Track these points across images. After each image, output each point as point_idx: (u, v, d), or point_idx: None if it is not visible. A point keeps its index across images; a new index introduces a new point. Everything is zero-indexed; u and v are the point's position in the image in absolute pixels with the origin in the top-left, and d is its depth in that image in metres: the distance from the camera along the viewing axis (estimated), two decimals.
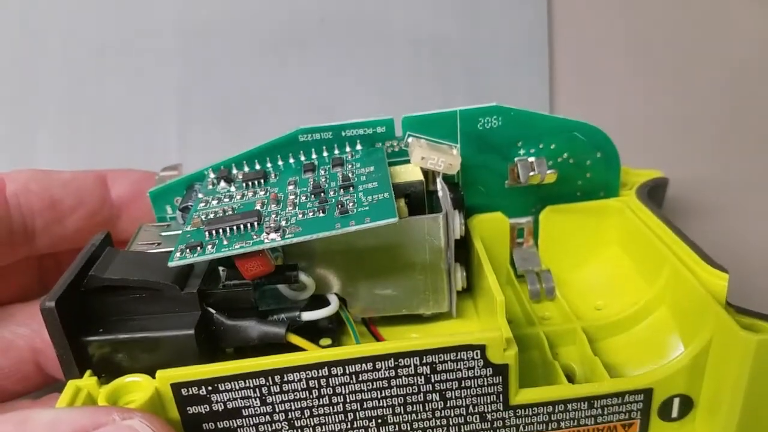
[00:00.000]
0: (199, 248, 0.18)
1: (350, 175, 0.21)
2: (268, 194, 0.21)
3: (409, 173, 0.23)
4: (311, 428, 0.18)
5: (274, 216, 0.19)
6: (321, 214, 0.19)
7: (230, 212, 0.20)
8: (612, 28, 0.37)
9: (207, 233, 0.19)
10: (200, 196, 0.22)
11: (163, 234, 0.23)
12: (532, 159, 0.24)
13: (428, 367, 0.18)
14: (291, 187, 0.21)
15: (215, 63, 0.36)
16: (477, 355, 0.18)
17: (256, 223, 0.19)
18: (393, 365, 0.18)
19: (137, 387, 0.18)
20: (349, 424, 0.18)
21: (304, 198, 0.20)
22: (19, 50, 0.35)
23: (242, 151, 0.24)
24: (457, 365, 0.18)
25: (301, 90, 0.36)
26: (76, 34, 0.35)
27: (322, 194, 0.20)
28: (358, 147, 0.23)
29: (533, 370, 0.21)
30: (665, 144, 0.37)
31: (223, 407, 0.18)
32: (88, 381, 0.18)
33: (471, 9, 0.36)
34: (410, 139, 0.24)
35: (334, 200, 0.20)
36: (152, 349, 0.18)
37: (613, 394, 0.19)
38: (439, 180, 0.23)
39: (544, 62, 0.36)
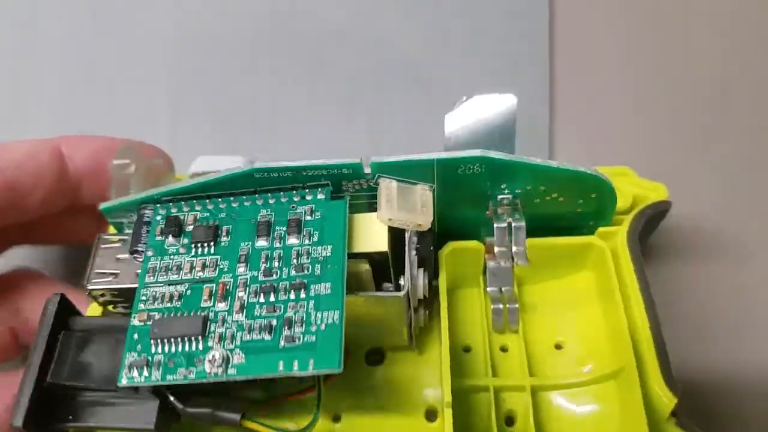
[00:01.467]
0: (145, 368, 0.18)
1: (305, 260, 0.20)
2: (216, 273, 0.20)
3: (372, 239, 0.21)
4: None
5: (219, 325, 0.19)
6: (267, 337, 0.18)
7: (176, 299, 0.19)
8: (613, 34, 0.35)
9: (153, 343, 0.19)
10: (149, 254, 0.21)
11: (119, 258, 0.22)
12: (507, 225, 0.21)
13: None
14: (241, 269, 0.20)
15: (208, 68, 0.36)
16: None
17: (201, 338, 0.19)
18: None
19: None
20: None
21: (252, 296, 0.19)
22: (10, 52, 0.36)
23: (198, 180, 0.21)
24: None
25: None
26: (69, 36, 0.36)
27: (273, 295, 0.19)
28: (320, 196, 0.21)
29: (476, 419, 0.23)
30: (667, 149, 0.32)
31: None
32: None
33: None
34: (380, 182, 0.21)
35: (282, 313, 0.19)
36: None
37: None
38: (407, 239, 0.21)
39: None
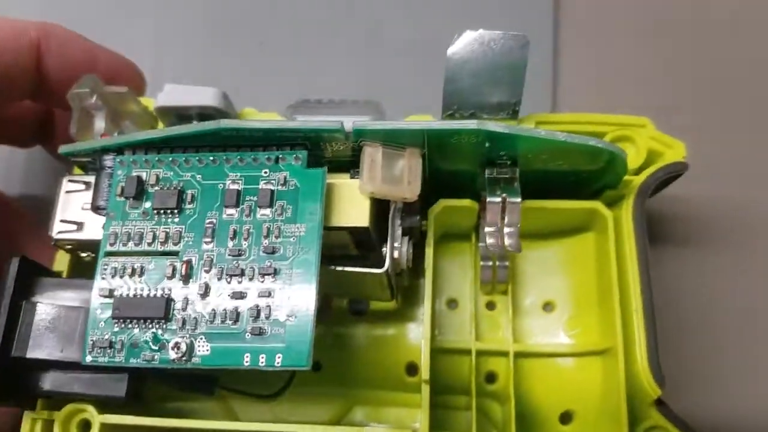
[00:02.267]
0: (109, 349, 0.18)
1: (276, 240, 0.18)
2: (181, 247, 0.18)
3: (353, 212, 0.19)
4: None
5: (182, 309, 0.18)
6: (232, 327, 0.17)
7: (138, 273, 0.18)
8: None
9: (115, 323, 0.18)
10: (111, 216, 0.19)
11: (84, 207, 0.21)
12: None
13: None
14: (207, 245, 0.18)
15: None
16: None
17: (164, 322, 0.18)
18: None
19: (90, 412, 0.20)
20: None
21: (218, 278, 0.18)
22: None
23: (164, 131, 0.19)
24: None
25: None
26: None
27: (241, 278, 0.18)
28: (296, 163, 0.19)
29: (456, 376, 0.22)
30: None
31: None
32: (41, 413, 0.20)
33: None
34: (364, 148, 0.19)
35: (249, 300, 0.17)
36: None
37: None
38: (392, 211, 0.19)
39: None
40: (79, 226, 0.21)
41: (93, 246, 0.20)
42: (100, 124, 0.22)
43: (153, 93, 0.23)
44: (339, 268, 0.19)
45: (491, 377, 0.23)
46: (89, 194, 0.21)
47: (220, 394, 0.22)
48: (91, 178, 0.21)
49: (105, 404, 0.20)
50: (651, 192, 0.22)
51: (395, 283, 0.21)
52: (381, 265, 0.19)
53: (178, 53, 0.31)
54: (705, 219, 0.28)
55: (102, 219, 0.20)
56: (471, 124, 0.18)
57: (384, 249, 0.20)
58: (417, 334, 0.23)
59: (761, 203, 0.28)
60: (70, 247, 0.21)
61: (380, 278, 0.20)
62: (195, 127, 0.19)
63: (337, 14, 0.31)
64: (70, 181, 0.21)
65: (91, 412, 0.20)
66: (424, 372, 0.20)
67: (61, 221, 0.21)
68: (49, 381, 0.19)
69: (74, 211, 0.21)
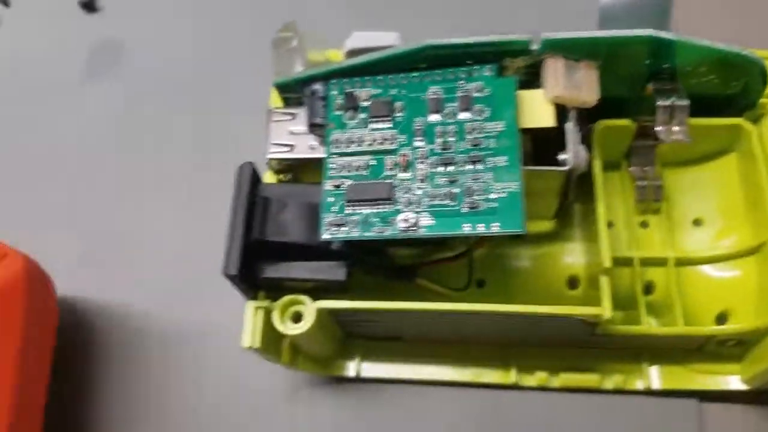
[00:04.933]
0: (343, 226, 0.21)
1: (479, 135, 0.21)
2: (396, 146, 0.22)
3: (540, 115, 0.22)
4: None
5: (405, 192, 0.21)
6: (450, 203, 0.20)
7: (363, 168, 0.22)
8: None
9: (347, 206, 0.21)
10: (331, 127, 0.23)
11: (292, 131, 0.24)
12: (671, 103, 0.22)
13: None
14: (419, 143, 0.22)
15: None
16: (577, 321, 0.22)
17: (389, 203, 0.21)
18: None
19: (305, 302, 0.22)
20: None
21: (432, 166, 0.21)
22: None
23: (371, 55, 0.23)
24: (558, 320, 0.22)
25: None
26: None
27: (452, 166, 0.21)
28: (487, 73, 0.22)
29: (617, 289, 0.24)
30: None
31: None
32: (262, 301, 0.23)
33: None
34: (547, 60, 0.22)
35: (462, 183, 0.21)
36: (311, 288, 0.23)
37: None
38: (571, 118, 0.22)
39: None
40: (290, 147, 0.24)
41: (300, 163, 0.24)
42: (298, 64, 0.26)
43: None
44: (525, 168, 0.22)
45: (649, 288, 0.25)
46: (292, 123, 0.24)
47: (417, 285, 0.24)
48: (294, 110, 0.24)
49: (322, 292, 0.22)
50: None
51: (567, 191, 0.24)
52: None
53: None
54: None
55: (309, 139, 0.23)
56: (647, 31, 0.21)
57: (563, 155, 0.22)
58: (576, 250, 0.26)
59: None
60: (278, 168, 0.25)
61: (558, 182, 0.23)
62: (403, 47, 0.22)
63: None
64: (275, 112, 0.25)
65: (305, 302, 0.22)
66: (605, 260, 0.22)
67: (273, 143, 0.24)
68: (276, 269, 0.22)
69: (283, 135, 0.25)
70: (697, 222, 0.26)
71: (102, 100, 0.34)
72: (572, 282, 0.26)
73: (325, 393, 0.27)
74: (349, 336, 0.26)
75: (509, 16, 0.33)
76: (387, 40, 0.25)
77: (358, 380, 0.27)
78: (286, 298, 0.23)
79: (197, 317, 0.29)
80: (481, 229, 0.20)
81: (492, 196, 0.20)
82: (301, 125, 0.24)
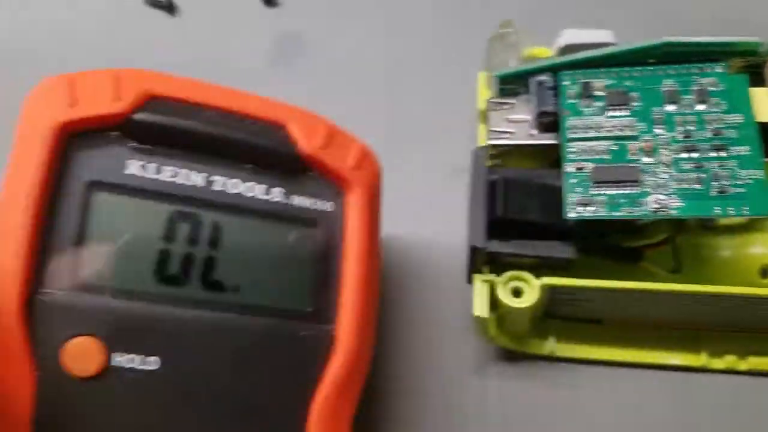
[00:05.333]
0: (590, 206, 0.22)
1: (719, 125, 0.23)
2: (637, 133, 0.23)
3: None
4: None
5: (651, 176, 0.22)
6: (698, 187, 0.22)
7: (604, 153, 0.23)
8: None
9: (592, 187, 0.22)
10: (566, 114, 0.24)
11: (510, 119, 0.26)
12: None
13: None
14: (660, 131, 0.23)
15: None
16: None
17: (637, 185, 0.22)
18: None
19: (527, 279, 0.24)
20: None
21: (675, 153, 0.22)
22: None
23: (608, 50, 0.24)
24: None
25: None
26: None
27: (696, 153, 0.22)
28: (719, 70, 0.23)
29: None
30: None
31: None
32: (488, 275, 0.24)
33: None
34: None
35: (708, 169, 0.22)
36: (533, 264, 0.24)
37: None
38: None
39: None
40: (510, 133, 0.26)
41: (520, 149, 0.25)
42: (514, 58, 0.27)
43: None
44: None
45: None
46: (509, 112, 0.26)
47: (637, 269, 0.26)
48: (511, 99, 0.26)
49: (544, 269, 0.24)
50: None
51: None
52: None
53: None
54: None
55: (527, 126, 0.25)
56: None
57: None
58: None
59: None
60: (494, 153, 0.26)
61: None
62: (641, 43, 0.24)
63: None
64: (492, 102, 0.27)
65: (528, 278, 0.24)
66: None
67: (493, 131, 0.26)
68: (510, 245, 0.24)
69: (501, 123, 0.26)
70: None
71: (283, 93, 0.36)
72: (765, 271, 0.27)
73: (517, 370, 0.28)
74: (547, 315, 0.28)
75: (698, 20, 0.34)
76: (602, 37, 0.27)
77: (551, 359, 0.28)
78: (510, 273, 0.24)
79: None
80: (731, 212, 0.21)
81: (739, 182, 0.22)
82: (518, 114, 0.26)
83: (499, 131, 0.26)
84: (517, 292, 0.24)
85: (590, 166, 0.23)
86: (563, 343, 0.28)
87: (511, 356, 0.29)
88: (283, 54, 0.36)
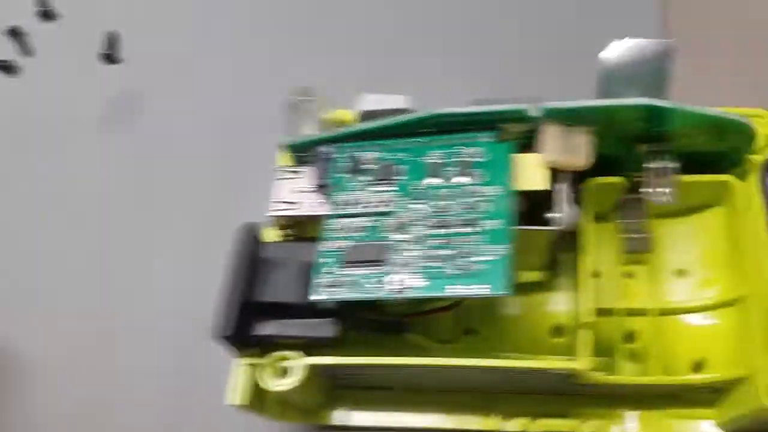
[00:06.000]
0: (335, 287, 0.21)
1: (474, 198, 0.22)
2: (394, 208, 0.22)
3: (534, 177, 0.22)
4: None
5: (399, 254, 0.22)
6: (440, 265, 0.21)
7: (360, 230, 0.22)
8: None
9: (341, 267, 0.22)
10: (334, 190, 0.23)
11: (295, 189, 0.25)
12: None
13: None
14: (416, 206, 0.22)
15: None
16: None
17: (384, 264, 0.21)
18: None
19: (294, 356, 0.23)
20: None
21: (427, 229, 0.22)
22: None
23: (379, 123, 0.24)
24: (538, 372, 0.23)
25: None
26: None
27: (446, 228, 0.21)
28: (486, 139, 0.23)
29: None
30: None
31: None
32: (250, 358, 0.23)
33: None
34: (545, 127, 0.22)
35: (454, 245, 0.21)
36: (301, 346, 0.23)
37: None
38: (564, 180, 0.23)
39: None
40: (293, 204, 0.25)
41: (302, 221, 0.24)
42: (309, 125, 0.26)
43: None
44: (516, 227, 0.22)
45: (630, 336, 0.26)
46: (297, 181, 0.25)
47: (406, 340, 0.25)
48: (300, 169, 0.25)
49: (310, 349, 0.23)
50: None
51: (555, 248, 0.24)
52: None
53: None
54: None
55: (314, 197, 0.24)
56: (642, 100, 0.21)
57: (552, 214, 0.23)
58: (563, 299, 0.26)
59: None
60: (283, 224, 0.25)
61: (547, 240, 0.23)
62: (410, 116, 0.23)
63: None
64: (280, 170, 0.25)
65: (294, 358, 0.23)
66: (587, 315, 0.23)
67: (275, 201, 0.25)
68: (267, 327, 0.23)
69: (287, 193, 0.25)
70: (680, 272, 0.26)
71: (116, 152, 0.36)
72: (557, 330, 0.26)
73: None
74: (337, 387, 0.27)
75: (511, 81, 0.34)
76: (396, 102, 0.25)
77: (346, 429, 0.27)
78: (274, 355, 0.23)
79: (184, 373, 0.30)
80: (465, 291, 0.20)
81: (481, 258, 0.21)
82: (308, 183, 0.25)
83: (282, 201, 0.25)
84: (287, 373, 0.23)
85: (346, 244, 0.22)
86: (357, 412, 0.27)
87: (307, 429, 0.28)
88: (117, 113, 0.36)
